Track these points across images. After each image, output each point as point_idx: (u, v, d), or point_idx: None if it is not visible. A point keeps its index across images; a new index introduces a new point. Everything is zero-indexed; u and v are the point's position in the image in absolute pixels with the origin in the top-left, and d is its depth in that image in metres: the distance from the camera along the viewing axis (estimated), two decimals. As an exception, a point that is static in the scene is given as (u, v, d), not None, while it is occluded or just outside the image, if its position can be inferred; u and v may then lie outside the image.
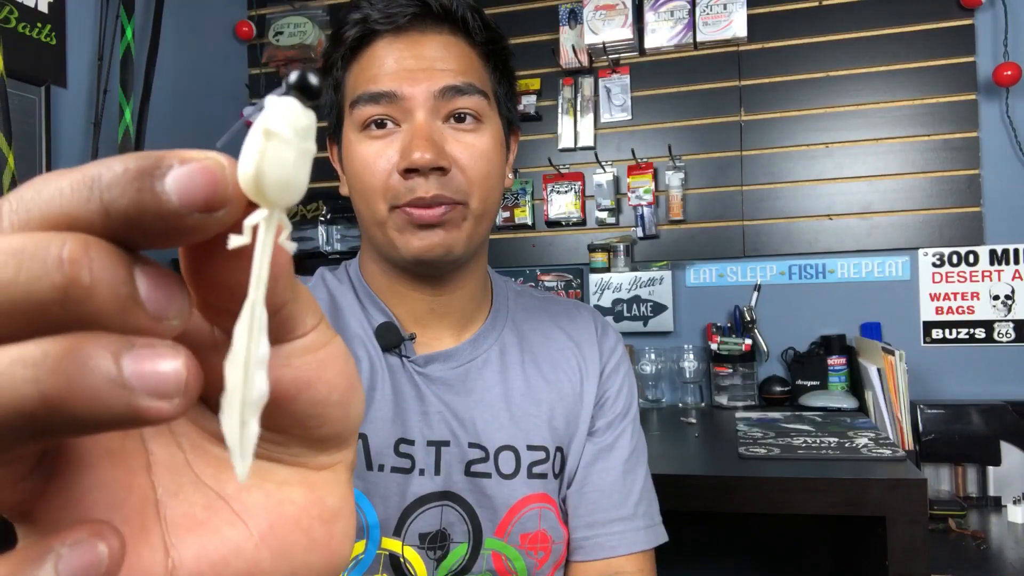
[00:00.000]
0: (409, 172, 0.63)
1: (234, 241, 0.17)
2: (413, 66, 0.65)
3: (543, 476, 0.71)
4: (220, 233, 0.18)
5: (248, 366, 0.18)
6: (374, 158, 0.65)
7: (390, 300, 0.72)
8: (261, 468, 0.23)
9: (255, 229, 0.18)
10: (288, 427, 0.23)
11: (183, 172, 0.16)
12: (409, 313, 0.72)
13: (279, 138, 0.17)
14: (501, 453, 0.70)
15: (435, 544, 0.67)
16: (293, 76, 0.17)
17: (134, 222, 0.16)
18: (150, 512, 0.21)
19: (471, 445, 0.69)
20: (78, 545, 0.16)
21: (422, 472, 0.67)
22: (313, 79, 0.17)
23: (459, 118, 0.66)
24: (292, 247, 0.19)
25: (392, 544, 0.66)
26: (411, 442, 0.67)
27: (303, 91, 0.17)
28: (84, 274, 0.15)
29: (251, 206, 0.18)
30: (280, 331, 0.21)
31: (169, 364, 0.16)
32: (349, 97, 0.67)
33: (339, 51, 0.68)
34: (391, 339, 0.69)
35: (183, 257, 0.19)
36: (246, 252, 0.18)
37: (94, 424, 0.15)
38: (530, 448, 0.71)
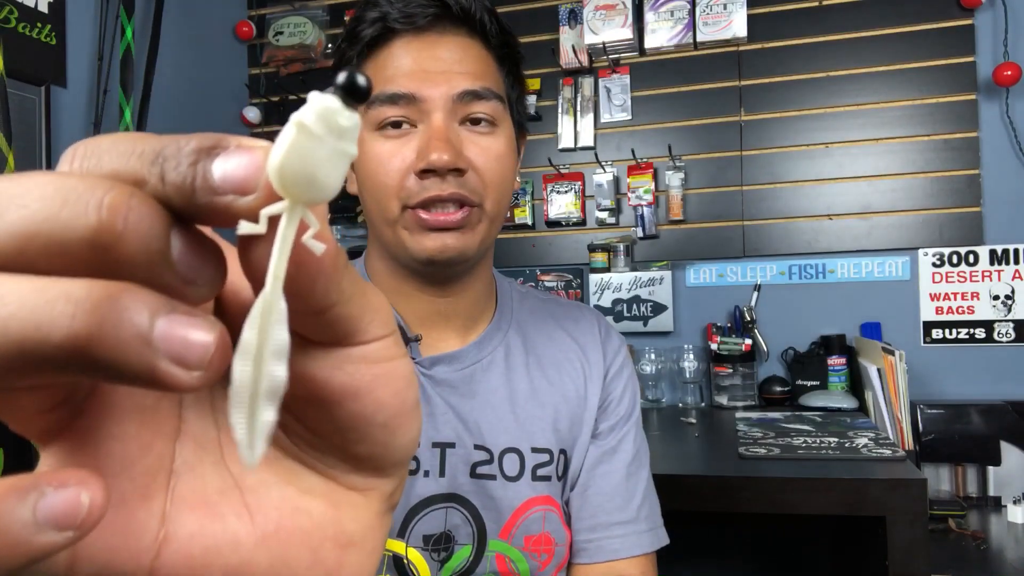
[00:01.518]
0: (426, 173, 0.63)
1: (243, 227, 0.17)
2: (431, 67, 0.64)
3: (547, 478, 0.71)
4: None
5: (261, 358, 0.17)
6: (388, 157, 0.64)
7: (396, 300, 0.71)
8: (289, 469, 0.23)
9: (275, 221, 0.17)
10: (327, 432, 0.22)
11: (232, 153, 0.17)
12: (415, 314, 0.71)
13: (308, 132, 0.17)
14: (506, 455, 0.70)
15: (439, 546, 0.67)
16: (341, 77, 0.17)
17: (180, 191, 0.17)
18: (160, 479, 0.20)
19: (476, 447, 0.69)
20: (62, 489, 0.16)
21: (427, 474, 0.67)
22: (362, 80, 0.17)
23: (474, 121, 0.66)
24: (319, 248, 0.18)
25: (396, 545, 0.66)
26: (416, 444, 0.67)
27: (350, 92, 0.17)
28: (119, 221, 0.15)
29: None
30: (334, 334, 0.20)
31: (199, 336, 0.16)
32: None
33: (354, 49, 0.68)
34: None
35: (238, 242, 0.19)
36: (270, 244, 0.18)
37: (112, 374, 0.16)
38: (534, 450, 0.71)
